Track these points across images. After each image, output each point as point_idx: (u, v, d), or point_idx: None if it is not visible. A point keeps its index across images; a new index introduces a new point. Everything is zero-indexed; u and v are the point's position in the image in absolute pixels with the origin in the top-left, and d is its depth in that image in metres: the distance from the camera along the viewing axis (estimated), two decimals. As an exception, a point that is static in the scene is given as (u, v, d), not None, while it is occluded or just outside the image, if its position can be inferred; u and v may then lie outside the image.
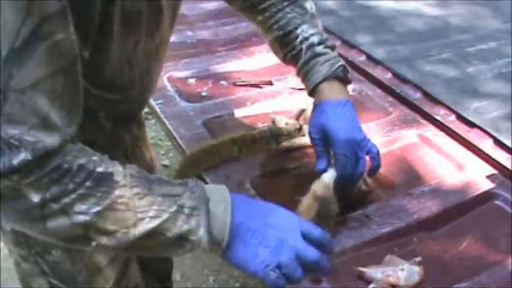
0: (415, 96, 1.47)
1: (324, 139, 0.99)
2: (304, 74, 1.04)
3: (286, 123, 1.23)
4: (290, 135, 1.23)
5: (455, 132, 1.32)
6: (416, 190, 1.15)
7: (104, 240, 0.69)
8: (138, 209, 0.69)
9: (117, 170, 0.69)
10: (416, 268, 0.95)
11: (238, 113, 1.41)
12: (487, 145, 1.27)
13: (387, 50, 1.74)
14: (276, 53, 1.11)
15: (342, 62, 1.04)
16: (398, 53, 1.74)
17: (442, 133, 1.34)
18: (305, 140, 1.19)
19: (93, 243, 0.70)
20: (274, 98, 1.47)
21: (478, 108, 1.43)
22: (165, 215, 0.70)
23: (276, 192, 1.14)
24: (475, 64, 1.69)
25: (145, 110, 1.16)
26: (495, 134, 1.29)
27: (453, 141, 1.31)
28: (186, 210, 0.71)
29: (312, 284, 0.92)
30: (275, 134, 1.23)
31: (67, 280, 0.99)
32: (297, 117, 1.26)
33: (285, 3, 1.06)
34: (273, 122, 1.25)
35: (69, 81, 0.65)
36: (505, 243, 1.04)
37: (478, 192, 1.15)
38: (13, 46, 0.59)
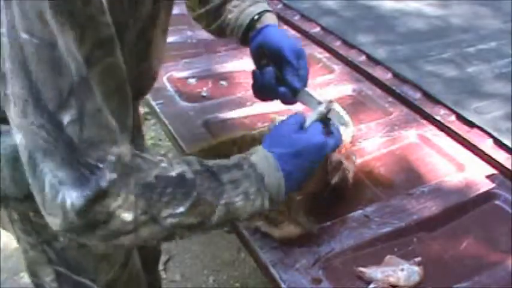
0: (415, 96, 1.47)
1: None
2: (247, 5, 1.08)
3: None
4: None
5: (455, 132, 1.32)
6: (416, 190, 1.15)
7: (186, 233, 0.77)
8: (212, 201, 0.77)
9: (185, 169, 0.76)
10: (416, 268, 0.95)
11: (238, 113, 1.41)
12: (487, 145, 1.27)
13: (388, 50, 1.74)
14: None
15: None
16: (399, 52, 1.74)
17: (442, 133, 1.34)
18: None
19: (177, 237, 0.78)
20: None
21: (478, 108, 1.43)
22: (236, 204, 0.79)
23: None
24: (475, 64, 1.69)
25: (145, 110, 1.18)
26: (495, 134, 1.29)
27: (453, 141, 1.31)
28: (252, 196, 0.80)
29: (312, 284, 0.92)
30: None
31: (74, 267, 1.00)
32: None
33: None
34: (273, 122, 1.25)
35: (121, 99, 0.71)
36: (505, 243, 1.04)
37: (478, 192, 1.15)
38: (81, 73, 0.64)
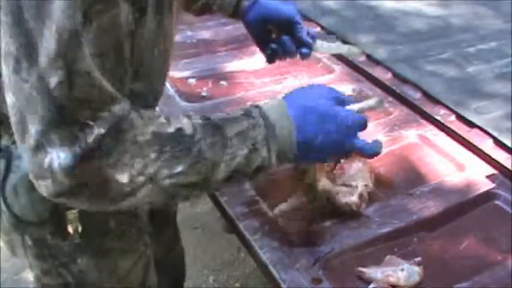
0: (415, 96, 1.47)
1: None
2: None
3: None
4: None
5: (455, 132, 1.32)
6: (416, 190, 1.15)
7: (188, 192, 0.73)
8: (215, 157, 0.71)
9: (185, 122, 0.71)
10: (416, 268, 0.95)
11: (238, 113, 1.41)
12: (487, 145, 1.27)
13: (388, 49, 1.75)
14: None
15: None
16: (399, 52, 1.74)
17: (442, 133, 1.34)
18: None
19: (179, 198, 0.74)
20: (274, 98, 1.46)
21: (478, 108, 1.44)
22: (240, 156, 0.73)
23: (275, 192, 1.14)
24: (475, 64, 1.70)
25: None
26: (495, 134, 1.29)
27: (453, 141, 1.31)
28: (259, 145, 0.75)
29: (312, 284, 0.92)
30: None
31: None
32: None
33: None
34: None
35: (118, 58, 0.66)
36: (505, 243, 1.03)
37: (478, 192, 1.15)
38: (76, 30, 0.60)
